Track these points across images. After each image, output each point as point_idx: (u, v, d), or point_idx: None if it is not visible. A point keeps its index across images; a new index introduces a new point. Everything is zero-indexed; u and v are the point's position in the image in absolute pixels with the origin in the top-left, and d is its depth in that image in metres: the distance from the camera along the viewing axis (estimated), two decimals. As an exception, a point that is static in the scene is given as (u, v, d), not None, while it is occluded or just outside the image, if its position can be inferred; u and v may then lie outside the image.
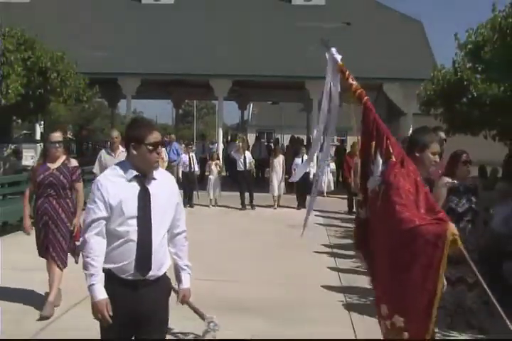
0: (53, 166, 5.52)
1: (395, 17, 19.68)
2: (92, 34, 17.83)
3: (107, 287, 3.01)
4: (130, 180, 3.08)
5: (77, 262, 5.64)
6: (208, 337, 3.85)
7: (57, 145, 5.46)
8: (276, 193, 14.05)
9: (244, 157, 13.85)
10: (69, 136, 26.22)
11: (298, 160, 13.93)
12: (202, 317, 4.44)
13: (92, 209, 3.04)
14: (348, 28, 18.88)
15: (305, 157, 14.27)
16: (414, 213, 2.91)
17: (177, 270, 3.32)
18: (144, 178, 3.10)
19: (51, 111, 15.51)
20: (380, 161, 3.23)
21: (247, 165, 13.89)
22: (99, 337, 2.91)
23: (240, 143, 14.45)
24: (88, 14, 19.03)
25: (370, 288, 6.78)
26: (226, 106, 18.05)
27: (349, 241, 9.92)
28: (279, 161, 14.30)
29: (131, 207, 3.03)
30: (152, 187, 3.10)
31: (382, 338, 3.21)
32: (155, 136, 3.07)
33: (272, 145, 20.98)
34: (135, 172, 3.08)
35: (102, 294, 2.97)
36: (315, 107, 17.83)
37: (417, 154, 3.52)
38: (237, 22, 19.08)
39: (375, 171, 3.25)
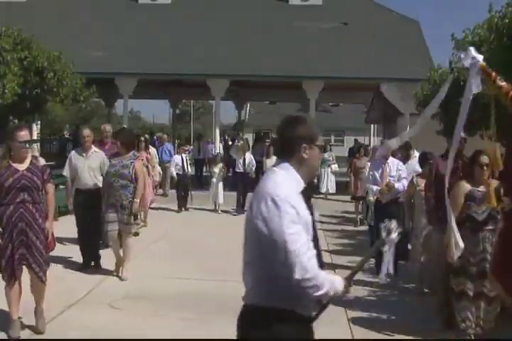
0: (22, 167, 4.99)
1: (392, 17, 19.71)
2: (91, 34, 17.81)
3: (282, 331, 2.41)
4: (299, 194, 2.47)
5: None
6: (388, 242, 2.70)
7: (25, 145, 4.98)
8: None
9: (244, 158, 13.42)
10: (66, 135, 26.23)
11: None
12: (371, 255, 3.04)
13: (297, 234, 2.34)
14: (345, 28, 18.89)
15: None
16: None
17: None
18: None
19: (48, 111, 15.46)
20: None
21: (247, 166, 13.53)
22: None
23: (239, 144, 14.17)
24: (87, 14, 19.01)
25: (368, 287, 6.83)
26: (222, 105, 17.99)
27: (346, 241, 9.94)
28: (272, 162, 13.60)
29: (310, 227, 2.48)
30: None
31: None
32: (321, 138, 2.57)
33: (270, 145, 20.49)
34: (303, 184, 2.49)
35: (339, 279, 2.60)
36: (312, 107, 17.83)
37: None
38: (235, 22, 19.07)
39: None
